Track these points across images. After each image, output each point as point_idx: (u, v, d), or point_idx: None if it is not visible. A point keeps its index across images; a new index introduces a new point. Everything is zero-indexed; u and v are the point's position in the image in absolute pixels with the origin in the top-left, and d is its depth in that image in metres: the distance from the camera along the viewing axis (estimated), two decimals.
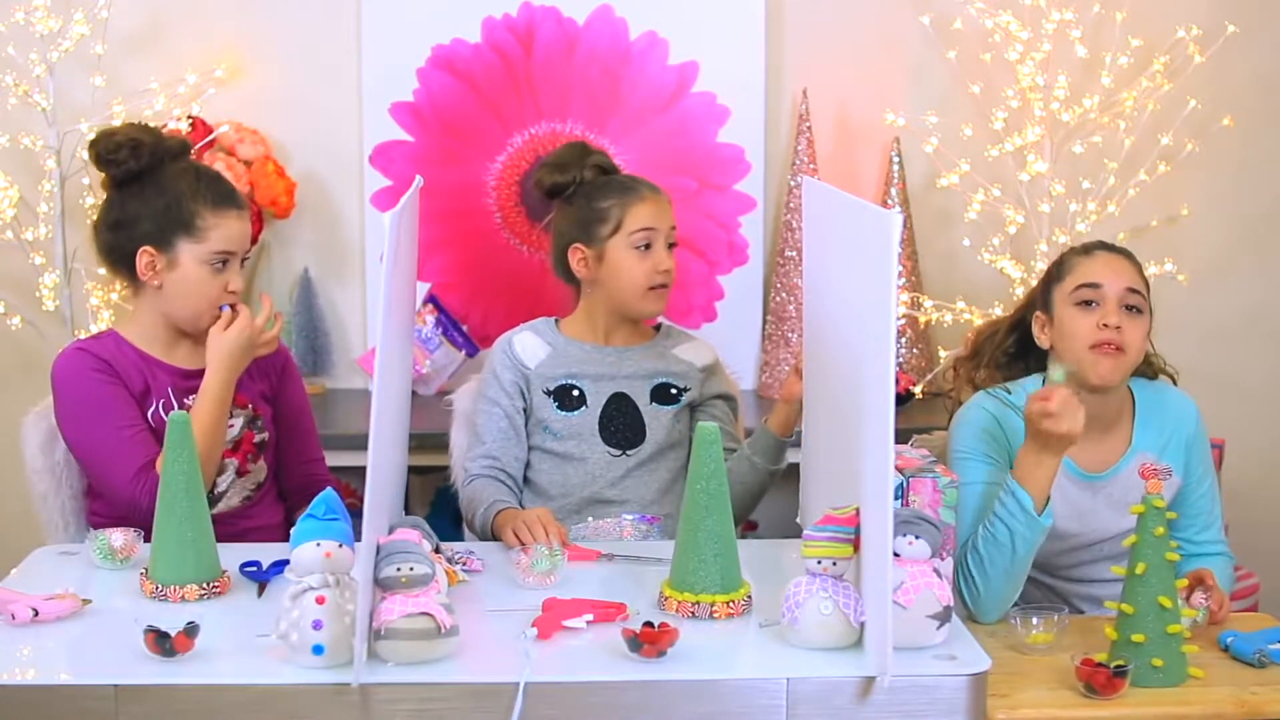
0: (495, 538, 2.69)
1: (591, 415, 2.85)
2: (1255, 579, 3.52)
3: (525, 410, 2.88)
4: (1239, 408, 3.70)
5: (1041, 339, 2.68)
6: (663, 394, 2.90)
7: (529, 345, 2.91)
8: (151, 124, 3.48)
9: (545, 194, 2.97)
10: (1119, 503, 2.60)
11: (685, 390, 2.91)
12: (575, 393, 2.87)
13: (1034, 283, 3.48)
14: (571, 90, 3.78)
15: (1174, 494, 2.64)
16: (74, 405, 2.65)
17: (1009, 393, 2.66)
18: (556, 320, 2.96)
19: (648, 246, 2.85)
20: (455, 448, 3.03)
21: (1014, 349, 2.77)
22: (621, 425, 2.87)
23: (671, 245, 2.89)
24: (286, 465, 2.85)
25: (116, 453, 2.60)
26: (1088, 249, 2.68)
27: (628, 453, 2.85)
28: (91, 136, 2.76)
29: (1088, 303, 2.58)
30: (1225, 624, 2.45)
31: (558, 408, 2.86)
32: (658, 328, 3.00)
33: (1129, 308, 2.58)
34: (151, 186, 2.67)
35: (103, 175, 2.71)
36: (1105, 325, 2.55)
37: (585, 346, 2.90)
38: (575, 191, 2.92)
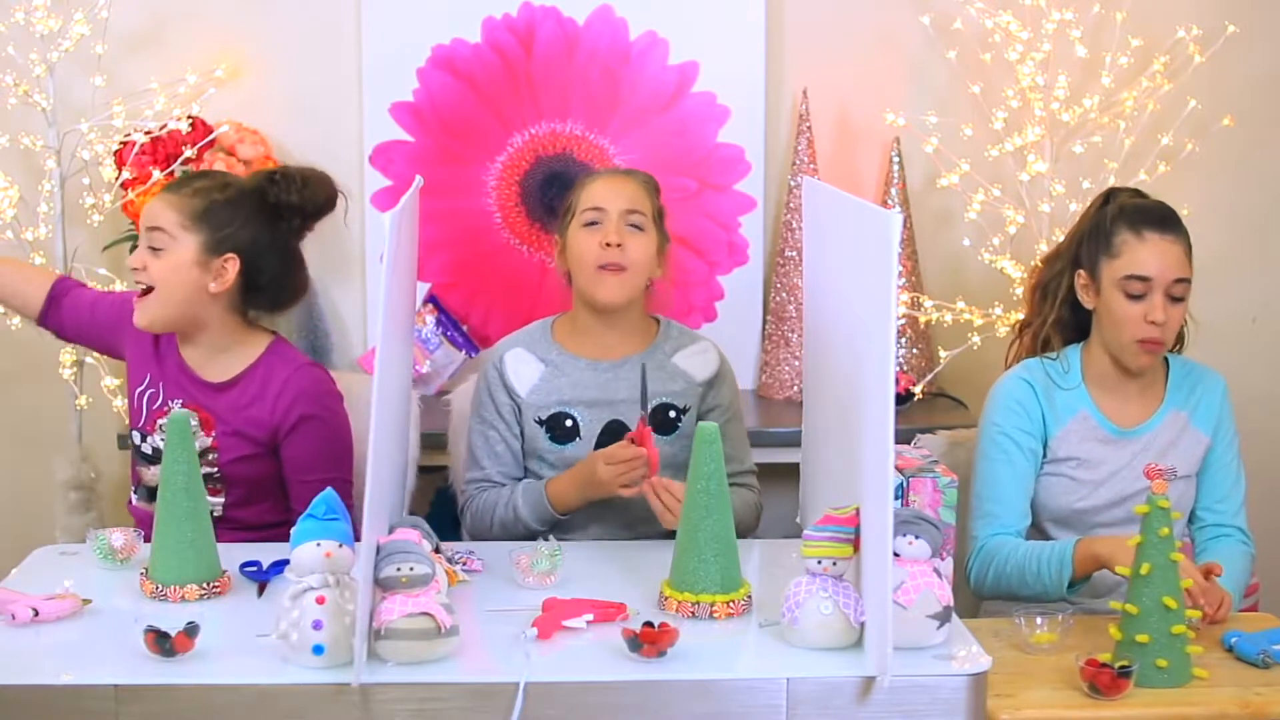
0: (556, 511, 2.67)
1: (585, 447, 2.74)
2: (1255, 579, 3.51)
3: (520, 434, 2.80)
4: (1239, 408, 3.67)
5: (1086, 299, 2.71)
6: (660, 419, 2.76)
7: (521, 369, 2.80)
8: (152, 124, 3.53)
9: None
10: (1151, 460, 2.70)
11: (684, 411, 2.78)
12: (569, 422, 2.76)
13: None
14: (571, 90, 3.77)
15: (1203, 452, 2.74)
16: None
17: (1055, 359, 2.74)
18: (553, 323, 2.86)
19: (596, 224, 2.74)
20: (455, 449, 3.01)
21: (1070, 318, 2.78)
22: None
23: (635, 227, 2.73)
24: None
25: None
26: (1137, 227, 2.64)
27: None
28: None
29: (1136, 295, 2.61)
30: (1227, 623, 2.45)
31: (550, 439, 2.77)
32: (656, 321, 2.87)
33: (1173, 298, 2.62)
34: None
35: None
36: (1152, 322, 2.60)
37: (579, 363, 2.79)
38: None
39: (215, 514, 2.66)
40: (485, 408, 2.80)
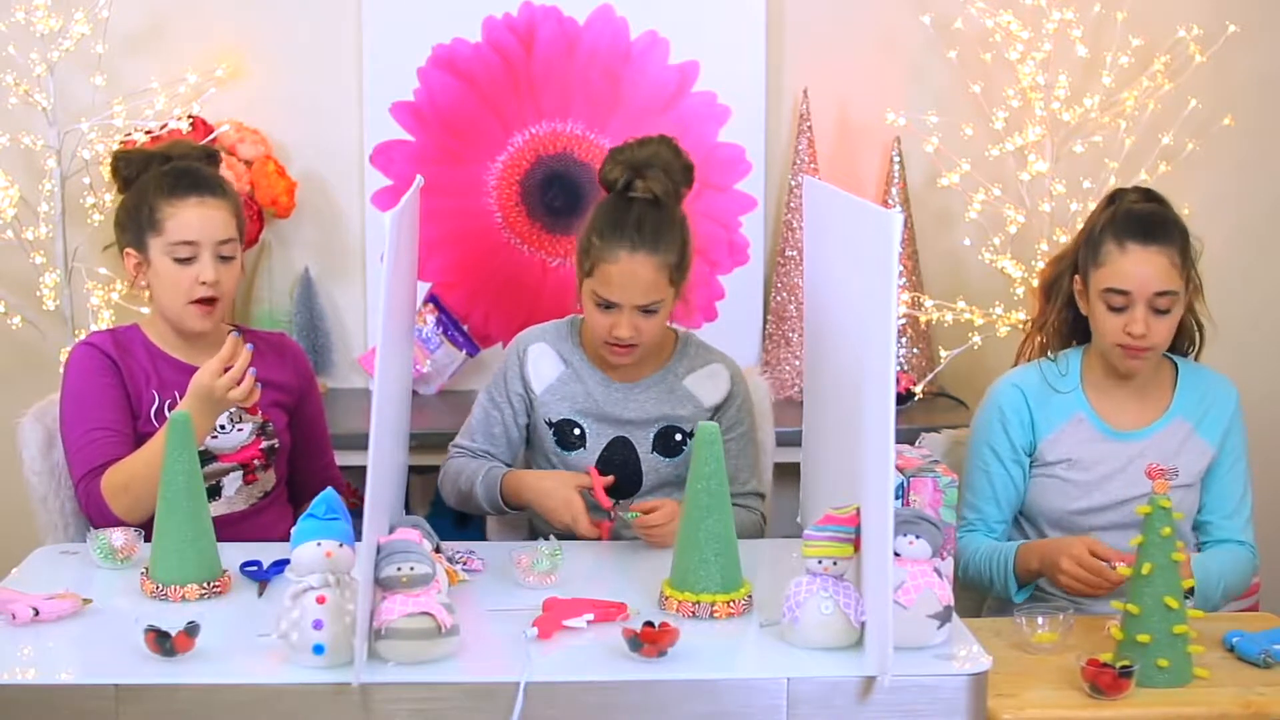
0: (505, 502, 2.69)
1: (589, 458, 2.74)
2: (1257, 579, 3.51)
3: (528, 425, 2.82)
4: None
5: (1081, 304, 2.71)
6: (665, 442, 2.75)
7: (542, 365, 2.79)
8: (152, 123, 3.53)
9: (603, 186, 2.73)
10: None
11: (690, 435, 2.72)
12: (576, 431, 2.76)
13: (1034, 283, 3.48)
14: (571, 90, 3.77)
15: (1207, 463, 2.70)
16: (65, 396, 2.67)
17: (1054, 361, 2.73)
18: (582, 323, 2.80)
19: (608, 306, 2.65)
20: None
21: (1073, 319, 2.77)
22: (617, 474, 2.72)
23: (650, 311, 2.63)
24: (304, 473, 2.86)
25: (79, 451, 2.61)
26: (1120, 238, 2.60)
27: (619, 502, 2.70)
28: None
29: (1117, 307, 2.60)
30: (1227, 623, 2.46)
31: (557, 443, 2.77)
32: (676, 335, 2.83)
33: (1158, 310, 2.60)
34: (133, 192, 2.69)
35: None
36: (1130, 333, 2.58)
37: (596, 375, 2.77)
38: (612, 192, 2.71)
39: (264, 493, 2.76)
40: (498, 389, 2.81)
